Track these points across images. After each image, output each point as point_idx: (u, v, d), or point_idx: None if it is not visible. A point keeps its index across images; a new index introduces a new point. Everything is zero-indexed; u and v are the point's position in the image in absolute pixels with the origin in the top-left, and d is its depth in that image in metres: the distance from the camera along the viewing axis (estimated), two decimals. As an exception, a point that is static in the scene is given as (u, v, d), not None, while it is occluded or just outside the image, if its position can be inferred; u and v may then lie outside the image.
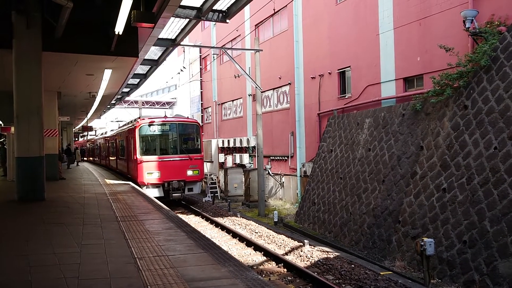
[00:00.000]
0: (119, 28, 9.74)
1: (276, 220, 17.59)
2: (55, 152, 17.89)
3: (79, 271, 5.02)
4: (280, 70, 23.37)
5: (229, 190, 24.94)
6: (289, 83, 22.59)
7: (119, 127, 29.53)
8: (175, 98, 51.35)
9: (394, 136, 14.20)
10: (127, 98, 37.62)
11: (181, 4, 10.80)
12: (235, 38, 28.15)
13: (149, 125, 18.85)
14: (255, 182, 21.65)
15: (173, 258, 5.58)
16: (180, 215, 14.23)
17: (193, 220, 16.49)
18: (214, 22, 22.25)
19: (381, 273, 9.87)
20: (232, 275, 4.85)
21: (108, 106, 33.00)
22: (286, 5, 22.03)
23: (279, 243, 12.84)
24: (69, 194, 12.83)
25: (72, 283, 4.61)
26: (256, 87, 20.57)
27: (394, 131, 14.30)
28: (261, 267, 10.28)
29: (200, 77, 35.82)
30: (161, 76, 43.39)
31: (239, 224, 15.81)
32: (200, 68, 35.70)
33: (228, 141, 29.41)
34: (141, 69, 21.54)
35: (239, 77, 27.20)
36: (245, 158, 26.58)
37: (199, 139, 19.95)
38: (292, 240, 13.04)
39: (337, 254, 11.63)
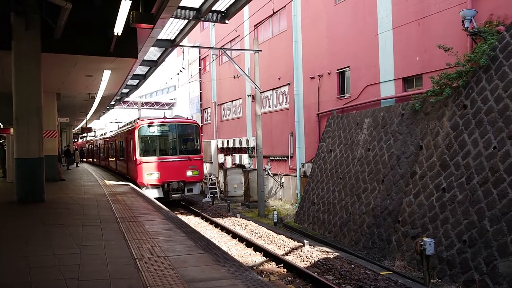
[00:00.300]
0: (118, 29, 9.75)
1: (275, 220, 17.59)
2: (54, 153, 17.88)
3: (79, 272, 5.02)
4: (279, 70, 23.38)
5: (228, 190, 24.94)
6: (288, 84, 22.60)
7: (118, 128, 29.52)
8: (174, 99, 51.34)
9: (394, 136, 14.21)
10: (126, 99, 37.59)
11: (180, 4, 10.78)
12: (234, 38, 28.16)
13: (149, 126, 18.85)
14: (254, 183, 21.66)
15: (173, 258, 5.58)
16: (180, 216, 14.23)
17: (192, 221, 16.49)
18: (213, 23, 22.29)
19: (381, 273, 9.87)
20: (232, 276, 4.85)
21: (108, 107, 32.98)
22: (285, 6, 22.04)
23: (279, 243, 12.84)
24: (69, 195, 12.82)
25: (72, 284, 4.61)
26: (255, 88, 20.57)
27: (393, 131, 14.31)
28: (261, 267, 10.28)
29: (199, 77, 35.83)
30: (160, 77, 43.42)
31: (238, 225, 15.80)
32: (199, 68, 35.71)
33: (228, 141, 29.41)
34: (140, 70, 21.53)
35: (238, 77, 27.22)
36: (245, 159, 26.58)
37: (198, 140, 19.95)
38: (292, 241, 13.04)
39: (337, 254, 11.63)
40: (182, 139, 19.70)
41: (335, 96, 18.99)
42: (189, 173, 18.76)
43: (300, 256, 11.36)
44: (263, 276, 9.46)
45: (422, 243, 9.45)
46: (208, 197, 23.88)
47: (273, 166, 23.90)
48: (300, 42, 21.76)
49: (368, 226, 13.82)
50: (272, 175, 23.71)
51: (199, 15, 13.05)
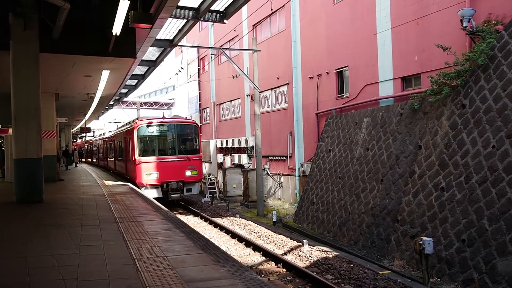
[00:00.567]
0: (117, 29, 9.73)
1: (275, 220, 17.59)
2: (53, 154, 17.87)
3: (78, 273, 5.01)
4: (278, 70, 23.39)
5: (227, 190, 24.94)
6: (287, 83, 22.60)
7: (117, 128, 29.49)
8: (173, 99, 51.35)
9: (392, 136, 14.22)
10: (125, 99, 37.59)
11: (178, 4, 10.79)
12: (233, 38, 28.15)
13: (147, 126, 18.83)
14: (253, 182, 21.66)
15: (172, 258, 5.58)
16: (179, 216, 14.22)
17: (192, 221, 16.48)
18: (212, 23, 22.28)
19: (380, 272, 9.87)
20: (231, 276, 4.85)
21: (106, 107, 32.96)
22: (284, 5, 22.03)
23: (278, 243, 12.84)
24: (68, 196, 12.81)
25: (71, 284, 4.61)
26: (254, 87, 20.57)
27: (392, 131, 14.32)
28: (260, 267, 10.28)
29: (198, 77, 35.82)
30: (159, 77, 43.45)
31: (238, 225, 15.80)
32: (198, 68, 35.69)
33: (227, 141, 29.41)
34: (139, 70, 21.51)
35: (237, 77, 27.22)
36: (244, 159, 26.58)
37: (197, 140, 19.94)
38: (291, 240, 13.04)
39: (336, 253, 11.63)
40: (181, 139, 19.69)
41: (334, 96, 19.00)
42: (188, 173, 18.75)
43: (299, 256, 11.36)
44: (263, 275, 9.45)
45: (421, 242, 9.46)
46: (207, 197, 23.87)
47: (272, 166, 23.91)
48: (298, 42, 21.77)
49: (367, 225, 13.83)
50: (271, 174, 23.71)
51: (197, 15, 13.04)
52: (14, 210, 9.99)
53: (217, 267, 5.19)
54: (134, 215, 9.16)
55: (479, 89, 11.31)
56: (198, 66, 35.73)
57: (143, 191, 16.46)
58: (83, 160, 48.30)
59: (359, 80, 17.36)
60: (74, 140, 56.07)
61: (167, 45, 16.83)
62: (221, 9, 13.70)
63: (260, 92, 21.56)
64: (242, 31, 26.35)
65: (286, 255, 11.50)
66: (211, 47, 28.07)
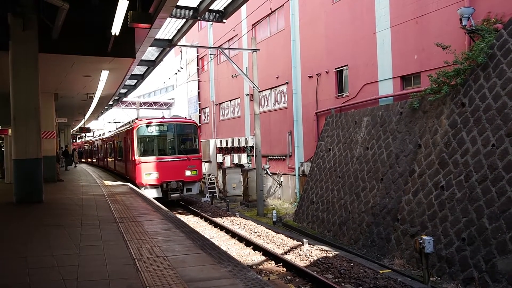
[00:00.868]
0: (116, 29, 9.73)
1: (275, 219, 17.59)
2: (53, 154, 17.86)
3: (78, 273, 5.01)
4: (278, 69, 23.38)
5: (227, 190, 24.94)
6: (287, 83, 22.60)
7: (117, 128, 29.48)
8: (172, 99, 51.34)
9: (392, 135, 14.22)
10: (124, 99, 37.58)
11: (177, 4, 10.78)
12: (232, 38, 28.13)
13: (147, 126, 18.83)
14: (253, 182, 21.65)
15: (172, 258, 5.57)
16: (179, 216, 14.21)
17: (192, 221, 16.48)
18: (211, 22, 22.26)
19: (380, 271, 9.87)
20: (232, 275, 4.84)
21: (106, 107, 32.95)
22: (283, 5, 22.02)
23: (278, 242, 12.84)
24: (67, 196, 12.80)
25: (71, 285, 4.60)
26: (253, 87, 20.56)
27: (392, 130, 14.32)
28: (260, 266, 10.28)
29: (198, 77, 35.81)
30: (158, 76, 43.41)
31: (238, 224, 15.80)
32: (198, 68, 35.68)
33: (226, 141, 29.40)
34: (138, 70, 21.51)
35: (236, 77, 27.21)
36: (243, 158, 26.58)
37: (197, 140, 19.93)
38: (291, 240, 13.04)
39: (336, 253, 11.63)
40: (181, 139, 19.68)
41: (334, 95, 18.99)
42: (188, 173, 18.75)
43: (300, 255, 11.36)
44: (263, 275, 9.46)
45: (421, 241, 9.47)
46: (207, 197, 23.86)
47: (272, 165, 23.90)
48: (298, 41, 21.76)
49: (367, 224, 13.83)
50: (271, 174, 23.71)
51: (196, 14, 13.04)
52: (13, 211, 9.99)
53: (217, 267, 5.19)
54: (134, 215, 9.16)
55: (478, 87, 11.30)
56: (198, 65, 35.72)
57: (143, 191, 16.46)
58: (83, 160, 48.28)
59: (359, 79, 17.36)
60: (74, 140, 56.05)
61: (166, 45, 16.82)
62: (220, 9, 13.70)
63: (259, 92, 21.56)
64: (242, 31, 26.34)
65: (286, 254, 11.50)
66: (210, 47, 28.05)
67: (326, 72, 19.43)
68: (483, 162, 10.48)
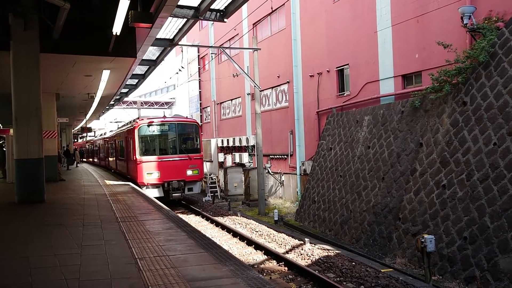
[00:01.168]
0: (117, 28, 9.73)
1: (276, 218, 17.59)
2: (54, 154, 17.88)
3: (80, 272, 5.01)
4: (279, 68, 23.37)
5: (229, 189, 24.94)
6: (288, 82, 22.59)
7: (118, 128, 29.50)
8: (173, 98, 51.36)
9: (393, 133, 14.20)
10: (126, 99, 37.60)
11: (178, 3, 10.78)
12: (233, 37, 28.13)
13: (148, 126, 18.83)
14: (255, 181, 21.65)
15: (174, 258, 5.57)
16: (180, 215, 14.22)
17: (193, 220, 16.49)
18: (212, 22, 22.26)
19: (382, 270, 9.87)
20: (233, 274, 4.84)
21: (107, 107, 32.98)
22: (284, 4, 22.00)
23: (279, 241, 12.84)
24: (69, 196, 12.82)
25: (73, 284, 4.61)
26: (254, 86, 20.56)
27: (393, 128, 14.30)
28: (262, 266, 10.28)
29: (199, 76, 35.81)
30: (159, 76, 43.44)
31: (239, 223, 15.80)
32: (199, 67, 35.68)
33: (228, 140, 29.40)
34: (139, 70, 21.51)
35: (237, 76, 27.20)
36: (245, 157, 26.58)
37: (198, 139, 19.93)
38: (293, 239, 13.04)
39: (337, 252, 11.62)
40: (182, 138, 19.68)
41: (335, 94, 18.98)
42: (189, 172, 18.75)
43: (301, 254, 11.36)
44: (264, 274, 9.46)
45: (422, 240, 9.46)
46: (209, 196, 23.87)
47: (273, 165, 23.90)
48: (299, 40, 21.74)
49: (368, 223, 13.82)
50: (272, 173, 23.71)
51: (197, 14, 13.02)
52: (15, 210, 10.00)
53: (219, 266, 5.19)
54: (135, 215, 9.16)
55: (480, 86, 11.29)
56: (199, 65, 35.72)
57: (145, 191, 16.47)
58: (84, 160, 48.34)
59: (360, 78, 17.34)
60: (75, 140, 56.11)
61: (168, 44, 16.82)
62: (221, 8, 13.69)
63: (260, 91, 21.56)
64: (242, 30, 26.33)
65: (287, 253, 11.50)
66: (211, 46, 28.04)
67: (327, 71, 19.41)
68: (484, 160, 10.46)
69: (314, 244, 12.29)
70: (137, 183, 18.01)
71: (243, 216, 17.43)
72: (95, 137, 45.74)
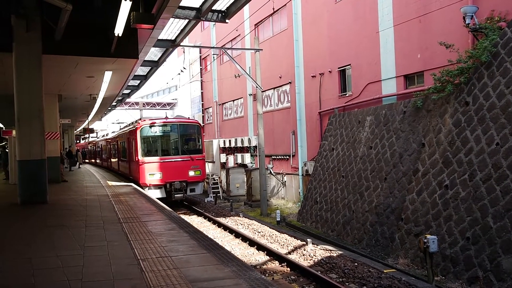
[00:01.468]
0: (119, 29, 9.75)
1: (278, 219, 17.58)
2: (57, 155, 17.90)
3: (82, 274, 5.02)
4: (280, 69, 23.36)
5: (231, 190, 24.94)
6: (290, 82, 22.58)
7: (120, 129, 29.54)
8: (175, 99, 51.36)
9: (396, 134, 14.18)
10: (128, 100, 37.61)
11: (180, 4, 10.78)
12: (235, 38, 28.15)
13: (150, 126, 18.85)
14: (257, 182, 21.65)
15: (176, 259, 5.58)
16: (183, 216, 14.24)
17: (195, 221, 16.50)
18: (214, 22, 22.27)
19: (385, 271, 9.86)
20: (236, 275, 4.84)
21: (109, 108, 33.05)
22: (285, 4, 22.00)
23: (282, 242, 12.84)
24: (71, 197, 12.84)
25: (76, 285, 4.62)
26: (256, 87, 20.56)
27: (395, 129, 14.28)
28: (264, 266, 10.28)
29: (201, 77, 35.83)
30: (161, 77, 43.41)
31: (241, 224, 15.80)
32: (200, 68, 35.70)
33: (230, 141, 29.41)
34: (141, 71, 21.54)
35: (239, 77, 27.20)
36: (247, 158, 26.58)
37: (200, 140, 19.95)
38: (295, 239, 13.03)
39: (340, 252, 11.61)
40: (184, 139, 19.70)
41: (337, 94, 18.97)
42: (191, 173, 18.76)
43: (303, 255, 11.36)
44: (267, 275, 9.45)
45: (425, 240, 9.44)
46: (211, 197, 23.88)
47: (275, 165, 23.90)
48: (300, 41, 21.74)
49: (371, 224, 13.80)
50: (274, 174, 23.71)
51: (199, 14, 13.04)
52: (18, 212, 10.02)
53: (221, 267, 5.19)
54: (138, 216, 9.17)
55: (482, 86, 11.26)
56: (200, 66, 35.74)
57: (147, 192, 16.48)
58: (86, 161, 48.41)
59: (362, 78, 17.32)
60: (77, 141, 56.20)
61: (169, 45, 16.84)
62: (223, 9, 13.70)
63: (262, 92, 21.56)
64: (244, 31, 26.34)
65: (290, 254, 11.49)
66: (213, 47, 28.08)
67: (329, 71, 19.40)
68: (487, 161, 10.44)
69: (317, 245, 12.28)
70: (139, 184, 18.03)
71: (245, 217, 17.44)
72: (97, 138, 45.83)
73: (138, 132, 18.58)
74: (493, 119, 10.60)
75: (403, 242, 12.20)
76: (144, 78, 23.22)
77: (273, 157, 24.17)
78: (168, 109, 48.06)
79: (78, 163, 34.59)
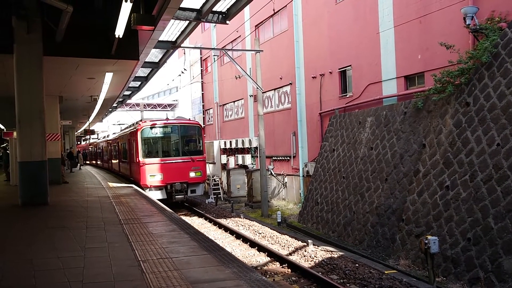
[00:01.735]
0: (119, 31, 9.76)
1: (279, 220, 17.58)
2: (57, 156, 17.92)
3: (83, 275, 5.02)
4: (281, 70, 23.37)
5: (232, 191, 24.94)
6: (290, 83, 22.59)
7: (121, 130, 29.57)
8: (176, 100, 51.40)
9: (396, 135, 14.18)
10: (128, 101, 37.66)
11: (180, 6, 10.79)
12: (235, 39, 28.16)
13: (151, 128, 18.87)
14: (257, 183, 21.65)
15: (177, 260, 5.58)
16: (183, 217, 14.24)
17: (196, 222, 16.49)
18: (214, 24, 22.30)
19: (386, 272, 9.85)
20: (236, 277, 4.84)
21: (110, 109, 33.03)
22: (286, 5, 22.02)
23: (282, 243, 12.83)
24: (72, 198, 12.85)
25: (76, 286, 4.62)
26: (257, 88, 20.57)
27: (396, 130, 14.28)
28: (265, 267, 10.27)
29: (201, 78, 35.86)
30: (162, 78, 43.40)
31: (242, 225, 15.80)
32: (201, 69, 35.73)
33: (230, 142, 29.42)
34: (142, 72, 21.56)
35: (240, 78, 27.22)
36: (248, 159, 26.58)
37: (201, 141, 19.96)
38: (296, 240, 13.02)
39: (341, 253, 11.60)
40: (185, 140, 19.71)
41: (337, 95, 18.97)
42: (192, 174, 18.76)
43: (304, 256, 11.35)
44: (268, 276, 9.45)
45: (426, 241, 9.43)
46: (212, 198, 23.88)
47: (276, 166, 23.89)
48: (301, 42, 21.75)
49: (372, 225, 13.79)
50: (275, 175, 23.70)
51: (200, 16, 13.05)
52: (19, 213, 10.03)
53: (222, 268, 5.18)
54: (138, 217, 9.18)
55: (483, 87, 11.26)
56: (201, 67, 35.76)
57: (147, 193, 16.49)
58: (87, 162, 48.44)
59: (362, 79, 17.32)
60: (78, 143, 56.23)
61: (170, 47, 16.86)
62: (223, 10, 13.70)
63: (263, 93, 21.56)
64: (245, 32, 26.35)
65: (291, 255, 11.49)
66: (213, 48, 28.09)
67: (330, 72, 19.41)
68: (488, 161, 10.43)
69: (318, 246, 12.27)
70: (140, 185, 18.04)
71: (246, 218, 17.43)
72: (98, 139, 45.85)
73: (139, 133, 18.60)
74: (494, 120, 10.60)
75: (404, 243, 12.19)
76: (145, 80, 23.24)
77: (274, 158, 24.17)
78: (169, 111, 48.09)
79: (79, 164, 34.62)
